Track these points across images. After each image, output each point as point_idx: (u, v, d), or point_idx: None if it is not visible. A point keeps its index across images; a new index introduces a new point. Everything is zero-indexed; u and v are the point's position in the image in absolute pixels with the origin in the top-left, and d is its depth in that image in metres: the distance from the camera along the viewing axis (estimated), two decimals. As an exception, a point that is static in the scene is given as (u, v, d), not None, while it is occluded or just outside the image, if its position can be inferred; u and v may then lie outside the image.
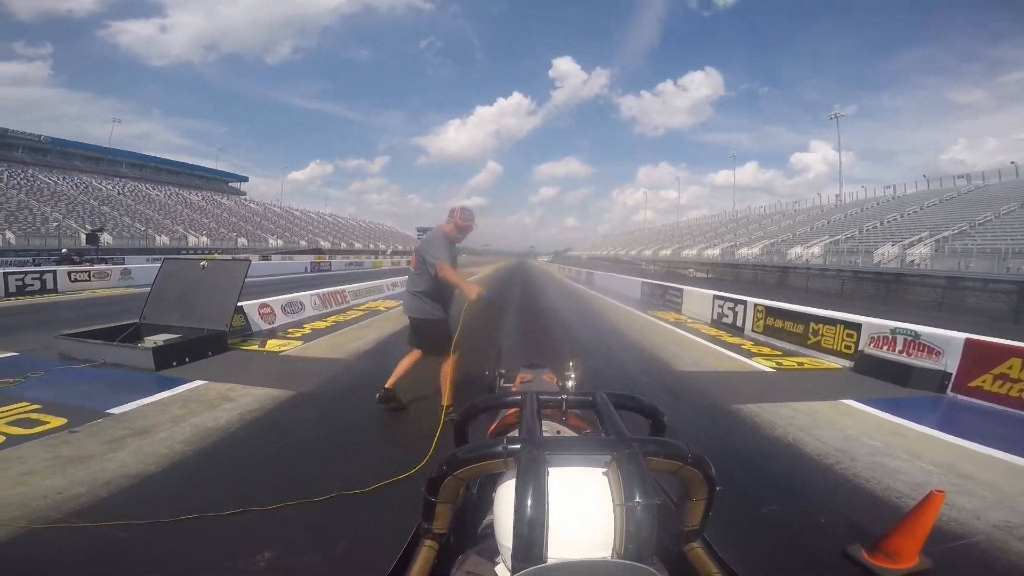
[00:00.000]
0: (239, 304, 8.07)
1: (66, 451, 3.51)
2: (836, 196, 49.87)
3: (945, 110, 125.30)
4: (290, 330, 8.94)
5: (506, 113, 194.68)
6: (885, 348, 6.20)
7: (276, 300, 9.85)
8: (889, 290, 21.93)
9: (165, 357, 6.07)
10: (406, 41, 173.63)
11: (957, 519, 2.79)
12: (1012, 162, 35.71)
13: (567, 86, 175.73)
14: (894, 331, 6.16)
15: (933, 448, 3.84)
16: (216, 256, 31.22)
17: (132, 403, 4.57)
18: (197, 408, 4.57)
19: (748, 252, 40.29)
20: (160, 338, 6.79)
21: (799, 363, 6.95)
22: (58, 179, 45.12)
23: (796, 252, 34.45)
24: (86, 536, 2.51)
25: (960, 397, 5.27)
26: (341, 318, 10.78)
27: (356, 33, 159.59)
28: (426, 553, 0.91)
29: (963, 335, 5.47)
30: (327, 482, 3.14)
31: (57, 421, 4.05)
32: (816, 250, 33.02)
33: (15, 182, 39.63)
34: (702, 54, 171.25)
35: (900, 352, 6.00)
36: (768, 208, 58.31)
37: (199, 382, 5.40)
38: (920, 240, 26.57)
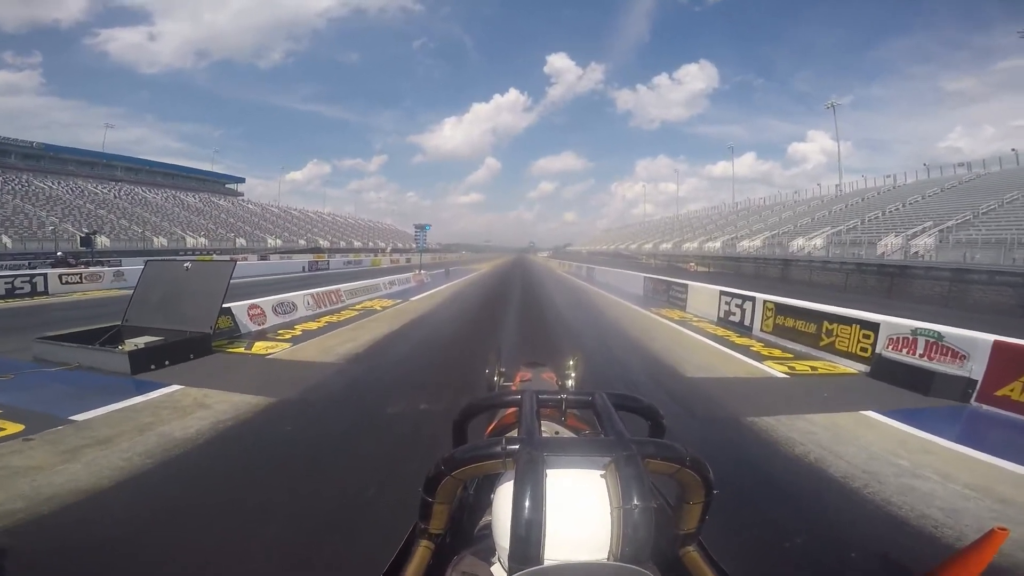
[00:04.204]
0: (227, 305, 7.80)
1: (15, 461, 3.28)
2: (836, 186, 49.07)
3: (938, 99, 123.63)
4: (280, 332, 8.63)
5: (502, 110, 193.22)
6: (905, 351, 5.83)
7: (267, 300, 9.54)
8: (894, 283, 21.52)
9: (143, 360, 5.82)
10: (398, 42, 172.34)
11: (1000, 551, 2.46)
12: (1012, 149, 34.77)
13: (562, 82, 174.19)
14: (915, 332, 5.78)
15: (965, 467, 3.53)
16: (213, 257, 31.00)
17: (98, 409, 4.32)
18: (167, 416, 4.31)
19: (749, 245, 39.82)
20: (140, 341, 6.53)
21: (813, 367, 6.61)
22: (53, 184, 44.62)
23: (798, 244, 33.96)
24: (13, 557, 2.28)
25: (985, 407, 4.91)
26: (335, 318, 10.48)
27: (347, 36, 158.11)
28: (422, 553, 0.89)
29: (991, 337, 5.09)
30: (294, 505, 2.85)
31: (14, 427, 3.83)
32: (818, 242, 32.55)
33: (9, 188, 39.15)
34: (695, 47, 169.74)
35: (921, 355, 5.64)
36: (768, 199, 57.53)
37: (176, 387, 5.14)
38: (924, 230, 26.12)
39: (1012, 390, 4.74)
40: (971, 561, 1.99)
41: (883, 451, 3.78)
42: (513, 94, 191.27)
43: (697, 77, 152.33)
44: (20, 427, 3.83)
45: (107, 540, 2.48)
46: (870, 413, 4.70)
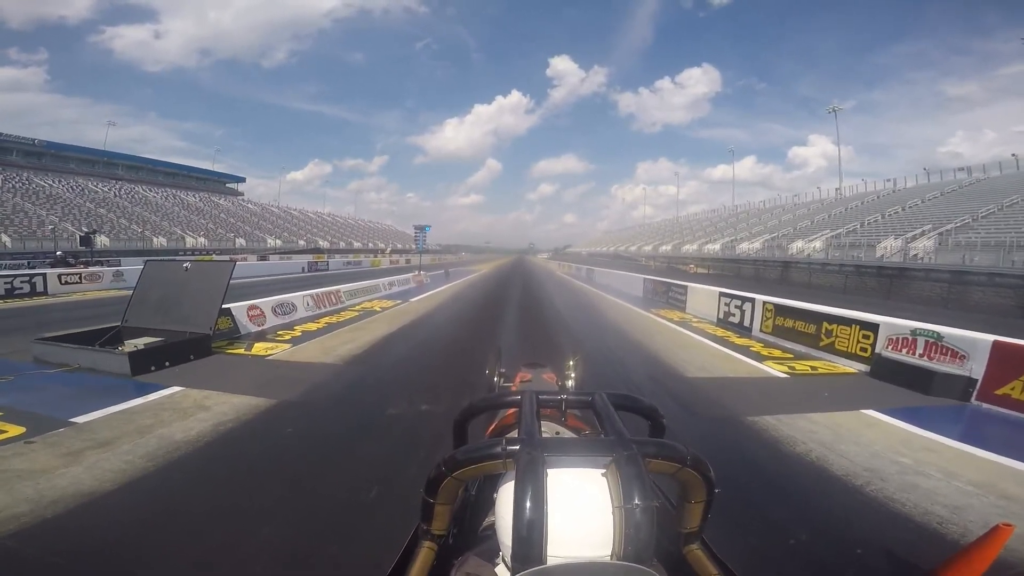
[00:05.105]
0: (227, 306, 7.79)
1: (17, 464, 3.28)
2: (836, 190, 49.18)
3: (940, 104, 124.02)
4: (280, 332, 8.62)
5: (504, 111, 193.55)
6: (905, 351, 5.84)
7: (266, 301, 9.53)
8: (892, 285, 21.53)
9: (143, 361, 5.81)
10: (401, 43, 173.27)
11: (1006, 546, 2.46)
12: (1013, 154, 34.78)
13: (565, 84, 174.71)
14: (914, 332, 5.79)
15: (968, 465, 3.53)
16: (213, 257, 30.94)
17: (99, 411, 4.31)
18: (168, 417, 4.29)
19: (749, 247, 39.88)
20: (140, 342, 6.51)
21: (812, 367, 6.62)
22: (53, 182, 44.59)
23: (798, 246, 34.04)
24: (18, 562, 2.28)
25: (985, 406, 4.92)
26: (334, 319, 10.46)
27: (351, 36, 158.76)
28: (425, 555, 0.89)
29: (991, 337, 5.11)
30: (295, 507, 2.85)
31: (15, 430, 3.82)
32: (818, 244, 32.61)
33: (10, 186, 39.15)
34: (699, 51, 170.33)
35: (921, 355, 5.64)
36: (768, 202, 57.64)
37: (176, 388, 5.12)
38: (923, 233, 26.20)
39: (1013, 388, 4.75)
40: (976, 557, 1.98)
41: (885, 449, 3.78)
42: (515, 96, 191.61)
43: (700, 81, 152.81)
44: (21, 430, 3.82)
45: (110, 543, 2.48)
46: (871, 412, 4.71)
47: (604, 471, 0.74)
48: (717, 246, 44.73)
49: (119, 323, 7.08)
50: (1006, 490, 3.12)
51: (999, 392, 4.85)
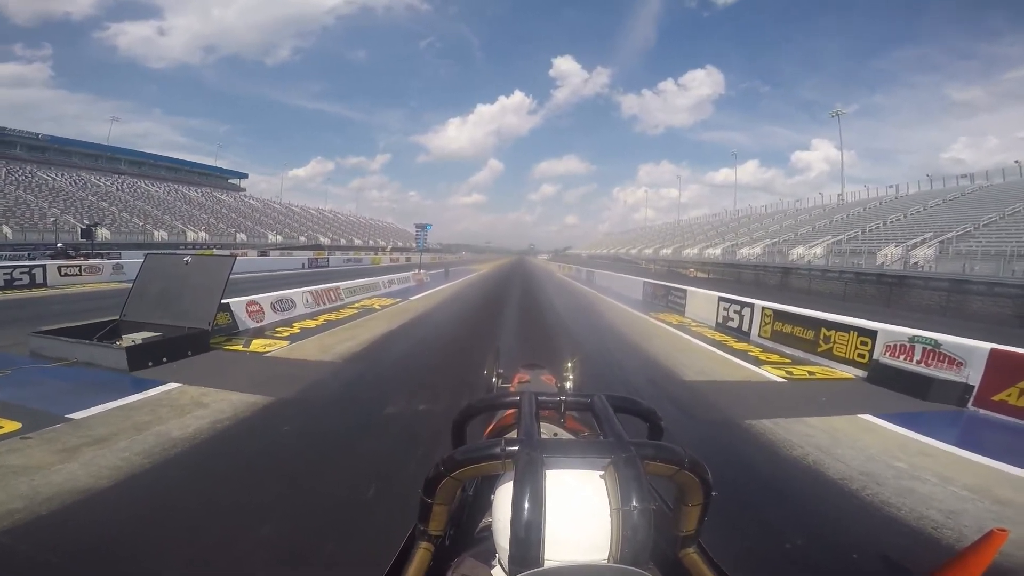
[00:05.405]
0: (225, 301, 7.78)
1: (12, 460, 3.26)
2: (838, 195, 49.26)
3: (943, 108, 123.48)
4: (278, 329, 8.62)
5: (507, 112, 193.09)
6: (902, 358, 5.86)
7: (265, 297, 9.52)
8: (892, 293, 21.55)
9: (141, 357, 5.79)
10: (405, 41, 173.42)
11: (1000, 551, 2.46)
12: (1016, 161, 34.77)
13: (568, 85, 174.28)
14: (912, 339, 5.82)
15: (963, 470, 3.55)
16: (213, 252, 30.94)
17: (96, 407, 4.29)
18: (166, 414, 4.28)
19: (749, 252, 39.89)
20: (138, 336, 6.50)
21: (810, 372, 6.63)
22: (56, 176, 44.61)
23: (798, 252, 34.05)
24: (12, 558, 2.28)
25: (982, 412, 4.95)
26: (333, 316, 10.46)
27: (354, 34, 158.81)
28: (421, 555, 0.88)
29: (988, 345, 5.14)
30: (292, 505, 2.85)
31: (11, 425, 3.80)
32: (818, 250, 32.62)
33: (13, 179, 39.17)
34: (702, 53, 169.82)
35: (918, 362, 5.66)
36: (769, 207, 57.73)
37: (174, 385, 5.11)
38: (924, 241, 26.22)
39: (1009, 395, 4.78)
40: (971, 562, 1.99)
41: (881, 453, 3.79)
42: (518, 96, 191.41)
43: (703, 83, 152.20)
44: (17, 425, 3.80)
45: (105, 540, 2.47)
46: (868, 416, 4.72)
47: (602, 473, 0.74)
48: (718, 250, 44.72)
49: (118, 316, 7.08)
50: (1001, 495, 3.14)
51: (996, 398, 4.88)
